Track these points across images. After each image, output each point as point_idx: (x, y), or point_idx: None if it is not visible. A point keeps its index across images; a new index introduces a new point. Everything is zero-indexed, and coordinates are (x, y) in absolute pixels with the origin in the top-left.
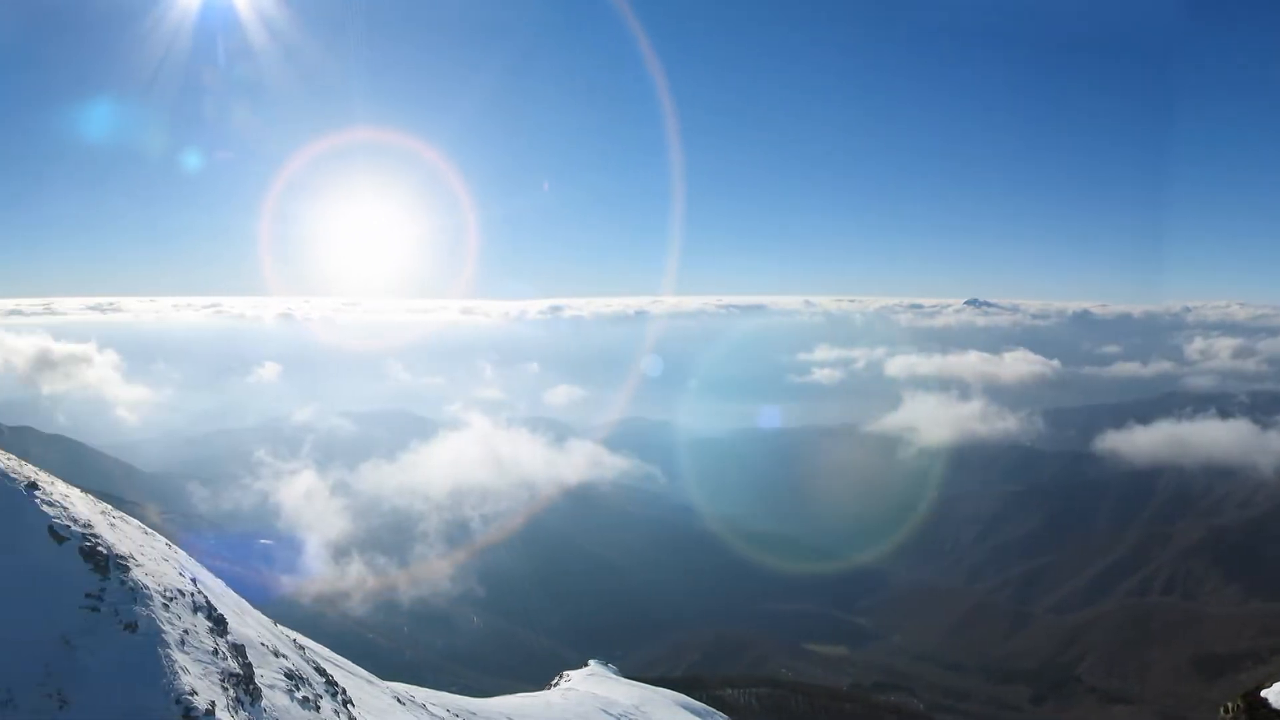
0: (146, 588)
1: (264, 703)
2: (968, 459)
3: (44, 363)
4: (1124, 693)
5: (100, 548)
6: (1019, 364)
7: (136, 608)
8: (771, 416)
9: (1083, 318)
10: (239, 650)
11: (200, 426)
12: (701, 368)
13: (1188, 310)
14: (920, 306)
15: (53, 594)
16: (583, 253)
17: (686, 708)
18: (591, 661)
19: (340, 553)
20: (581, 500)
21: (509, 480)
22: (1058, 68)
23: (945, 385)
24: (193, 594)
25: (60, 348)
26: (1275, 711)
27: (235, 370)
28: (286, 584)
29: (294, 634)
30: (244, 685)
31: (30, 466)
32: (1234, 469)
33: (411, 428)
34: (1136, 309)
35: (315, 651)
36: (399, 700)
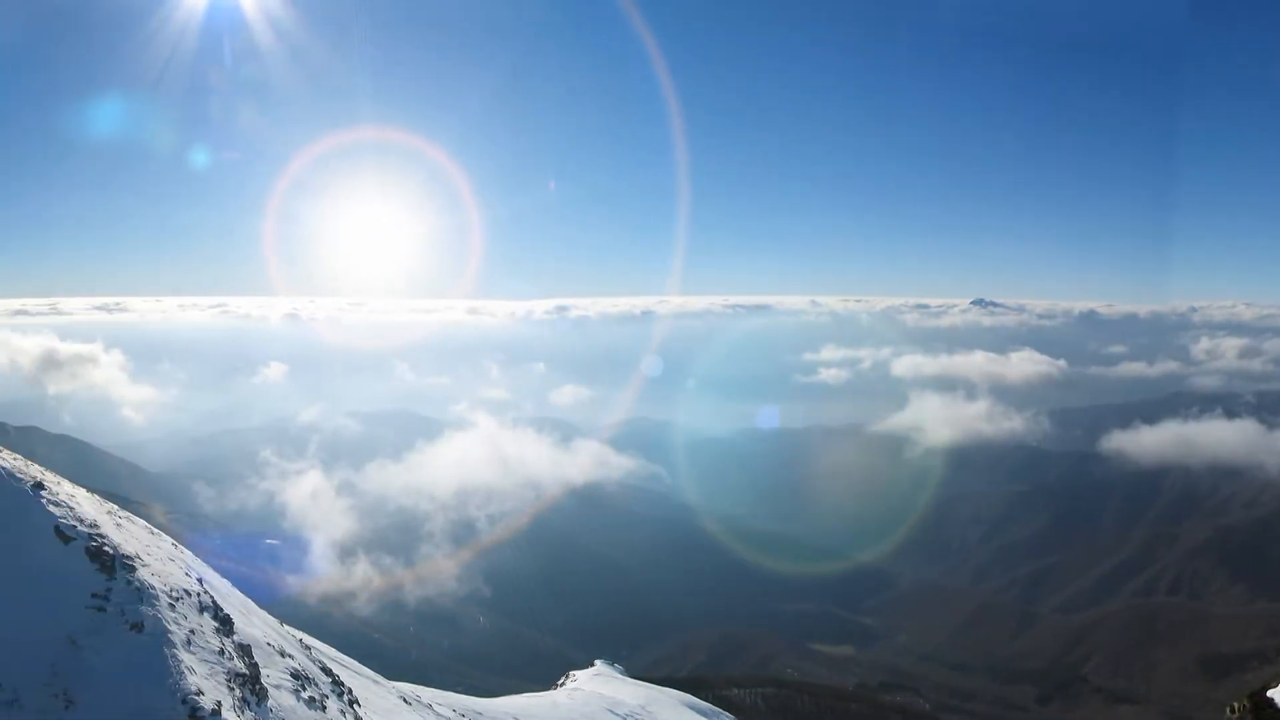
0: (153, 587)
1: (270, 702)
2: (973, 459)
3: (50, 363)
4: (1130, 693)
5: (106, 548)
6: (1025, 364)
7: (143, 607)
8: (777, 416)
9: (1089, 318)
10: (245, 650)
11: (206, 426)
12: (707, 368)
13: (1194, 310)
14: (926, 306)
15: (59, 594)
16: (588, 253)
17: (692, 708)
18: (598, 661)
19: (346, 553)
20: (587, 500)
21: (514, 480)
22: (1062, 67)
23: (951, 385)
24: (199, 594)
25: (66, 348)
26: None
27: (241, 370)
28: (292, 584)
29: (300, 634)
30: (250, 685)
31: (36, 466)
32: (1240, 469)
33: (417, 428)
34: (1143, 309)
35: (321, 651)
36: (405, 700)
